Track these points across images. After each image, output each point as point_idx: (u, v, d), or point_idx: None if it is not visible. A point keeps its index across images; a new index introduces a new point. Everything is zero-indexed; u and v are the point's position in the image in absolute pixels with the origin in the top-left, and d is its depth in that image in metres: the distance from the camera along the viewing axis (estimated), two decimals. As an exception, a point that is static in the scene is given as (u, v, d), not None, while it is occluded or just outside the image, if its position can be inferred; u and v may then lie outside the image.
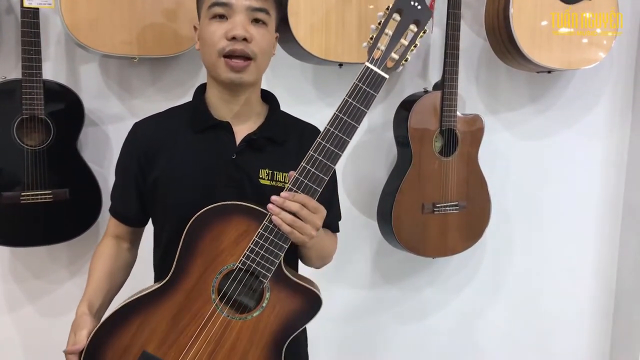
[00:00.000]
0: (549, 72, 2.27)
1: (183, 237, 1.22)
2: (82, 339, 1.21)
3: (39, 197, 1.79)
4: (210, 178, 1.31)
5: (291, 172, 1.22)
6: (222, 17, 1.27)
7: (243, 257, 1.21)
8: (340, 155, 1.21)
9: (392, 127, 2.21)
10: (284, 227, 1.20)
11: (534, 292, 2.59)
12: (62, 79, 1.92)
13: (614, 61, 2.52)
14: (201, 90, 1.41)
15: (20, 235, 1.85)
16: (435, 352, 2.52)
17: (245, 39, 1.26)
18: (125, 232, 1.44)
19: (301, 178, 1.21)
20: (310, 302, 1.26)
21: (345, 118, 1.21)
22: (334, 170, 1.48)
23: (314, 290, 1.27)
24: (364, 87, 1.20)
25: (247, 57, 1.27)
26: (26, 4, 1.70)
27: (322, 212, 1.24)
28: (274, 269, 1.22)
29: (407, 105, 2.11)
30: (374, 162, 2.30)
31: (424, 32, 1.20)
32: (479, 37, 2.33)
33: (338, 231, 1.51)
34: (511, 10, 2.05)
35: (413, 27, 1.19)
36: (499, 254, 2.52)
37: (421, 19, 1.19)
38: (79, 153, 1.88)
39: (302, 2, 1.87)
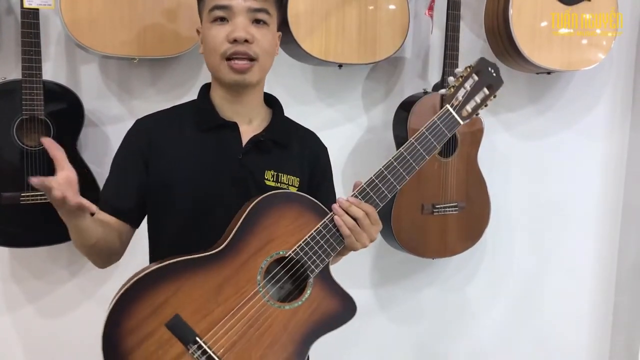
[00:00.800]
0: (549, 73, 2.27)
1: (245, 213, 1.22)
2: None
3: (39, 197, 1.78)
4: (216, 177, 1.31)
5: (358, 181, 1.28)
6: (222, 19, 1.28)
7: (297, 247, 1.23)
8: (407, 180, 1.30)
9: (391, 127, 2.21)
10: (343, 229, 1.24)
11: (533, 293, 2.59)
12: (62, 80, 1.92)
13: (614, 62, 2.52)
14: (206, 89, 1.41)
15: (20, 236, 1.84)
16: (434, 353, 2.52)
17: (246, 41, 1.26)
18: (115, 224, 1.34)
19: (368, 189, 1.27)
20: (347, 308, 1.29)
21: (418, 147, 1.30)
22: (330, 165, 1.50)
23: (352, 297, 1.30)
24: (441, 125, 1.32)
25: (250, 59, 1.28)
26: (26, 4, 1.70)
27: (380, 226, 1.29)
28: (322, 266, 1.25)
29: (406, 106, 2.11)
30: (374, 162, 2.26)
31: (494, 97, 1.36)
32: (478, 38, 2.33)
33: None
34: (511, 11, 2.05)
35: (486, 90, 1.35)
36: (498, 255, 2.52)
37: (494, 84, 1.35)
38: (79, 154, 1.88)
39: (302, 3, 1.87)
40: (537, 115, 2.48)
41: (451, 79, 1.35)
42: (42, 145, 1.78)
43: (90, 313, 2.06)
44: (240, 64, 1.27)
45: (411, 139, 1.30)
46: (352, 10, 1.94)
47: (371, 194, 1.27)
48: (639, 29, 2.54)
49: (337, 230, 1.25)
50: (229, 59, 1.27)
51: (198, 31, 1.38)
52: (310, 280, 1.25)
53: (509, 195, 2.47)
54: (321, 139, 1.51)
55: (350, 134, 2.27)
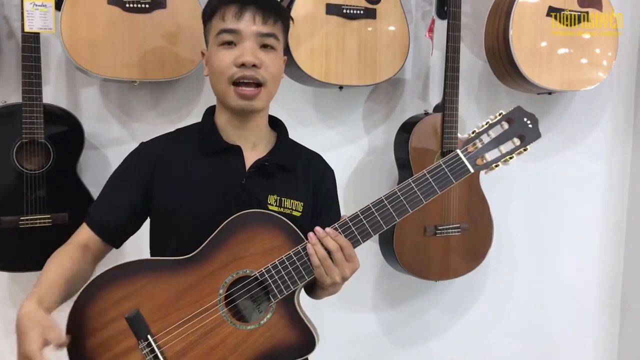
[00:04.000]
0: (550, 93, 2.27)
1: (222, 226, 1.22)
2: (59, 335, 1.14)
3: (38, 221, 1.77)
4: (219, 201, 1.30)
5: (344, 215, 1.24)
6: (230, 43, 1.27)
7: (264, 269, 1.21)
8: (396, 221, 1.22)
9: (392, 148, 2.20)
10: (313, 259, 1.21)
11: (538, 314, 2.57)
12: (62, 103, 1.92)
13: (614, 81, 2.53)
14: (211, 112, 1.41)
15: (19, 260, 1.82)
16: (438, 377, 2.49)
17: (254, 65, 1.26)
18: (96, 245, 1.34)
19: (350, 223, 1.22)
20: (305, 342, 1.24)
21: (415, 189, 1.22)
22: (337, 198, 1.48)
23: (313, 333, 1.25)
24: (446, 170, 1.23)
25: (257, 84, 1.28)
26: (27, 28, 1.71)
27: (356, 264, 1.24)
28: (286, 293, 1.22)
29: (408, 127, 2.11)
30: (375, 183, 2.29)
31: (525, 150, 1.25)
32: (478, 59, 2.33)
33: None
34: (511, 32, 2.06)
35: (516, 141, 1.24)
36: (502, 276, 2.50)
37: (527, 137, 1.25)
38: (79, 177, 1.87)
39: (302, 25, 1.88)
40: (538, 136, 2.47)
41: (478, 124, 1.26)
42: (42, 169, 1.78)
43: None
44: (247, 90, 1.27)
45: (409, 179, 1.23)
46: (352, 32, 1.95)
47: (353, 228, 1.22)
48: (638, 49, 2.55)
49: (308, 259, 1.21)
50: (236, 84, 1.27)
51: (203, 53, 1.38)
52: (272, 305, 1.22)
53: (511, 216, 2.46)
54: (328, 164, 1.50)
55: (351, 156, 2.27)
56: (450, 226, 2.13)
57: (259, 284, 1.22)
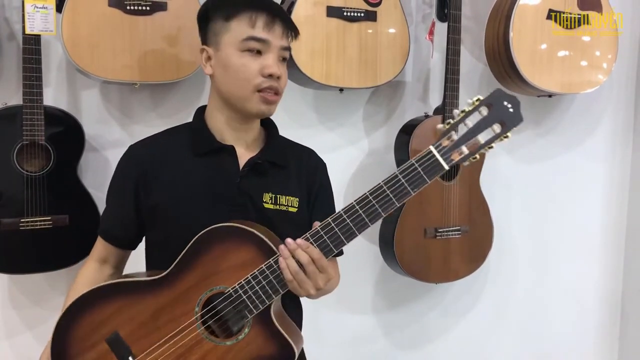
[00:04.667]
0: (550, 96, 2.27)
1: (191, 243, 1.22)
2: None
3: (39, 223, 1.77)
4: (214, 202, 1.30)
5: (316, 223, 1.19)
6: (257, 52, 1.28)
7: (237, 285, 1.20)
8: (369, 226, 1.16)
9: (392, 150, 2.20)
10: (285, 273, 1.17)
11: (538, 316, 2.57)
12: (62, 105, 1.92)
13: (614, 84, 2.53)
14: (201, 112, 1.40)
15: (19, 262, 1.83)
16: (438, 379, 2.49)
17: (278, 77, 1.29)
18: (113, 255, 1.41)
19: (321, 232, 1.17)
20: (284, 354, 1.23)
21: (387, 192, 1.15)
22: (332, 191, 1.48)
23: (292, 344, 1.23)
24: (419, 169, 1.14)
25: (276, 93, 1.31)
26: (28, 30, 1.71)
27: (329, 274, 1.20)
28: (262, 308, 1.20)
29: (408, 130, 2.11)
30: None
31: (506, 137, 1.13)
32: (479, 61, 2.33)
33: (342, 254, 1.44)
34: (511, 35, 2.06)
35: (496, 127, 1.12)
36: (502, 278, 2.50)
37: (508, 122, 1.12)
38: (79, 179, 1.88)
39: (302, 28, 1.87)
40: (538, 138, 2.47)
41: (455, 112, 1.15)
42: (43, 171, 1.78)
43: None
44: (273, 97, 1.30)
45: (380, 182, 1.15)
46: (352, 35, 1.95)
47: (325, 237, 1.17)
48: (638, 52, 2.55)
49: (281, 273, 1.18)
50: (260, 91, 1.28)
51: (205, 51, 1.34)
52: (249, 320, 1.21)
53: (511, 218, 2.46)
54: (320, 157, 1.50)
55: (351, 158, 2.27)
56: (451, 228, 2.13)
57: (234, 299, 1.20)
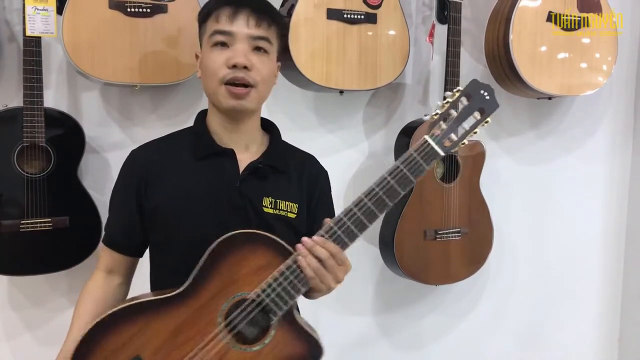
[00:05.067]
0: (550, 98, 2.28)
1: (207, 254, 1.20)
2: None
3: (39, 225, 1.77)
4: (214, 205, 1.30)
5: (326, 219, 1.22)
6: (223, 45, 1.27)
7: (259, 289, 1.20)
8: (378, 216, 1.21)
9: (392, 153, 2.20)
10: (307, 271, 1.19)
11: (538, 319, 2.57)
12: (63, 107, 1.92)
13: (614, 86, 2.53)
14: (202, 116, 1.41)
15: (19, 264, 1.82)
16: (438, 381, 2.49)
17: (246, 67, 1.26)
18: (120, 263, 1.40)
19: (335, 227, 1.20)
20: (312, 351, 1.24)
21: (392, 182, 1.21)
22: (332, 199, 1.48)
23: (317, 339, 1.25)
24: (417, 158, 1.21)
25: (247, 86, 1.27)
26: (29, 32, 1.71)
27: (348, 266, 1.24)
28: (286, 308, 1.21)
29: (408, 132, 2.11)
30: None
31: (487, 122, 1.24)
32: (479, 63, 2.34)
33: None
34: (511, 37, 2.06)
35: (477, 115, 1.23)
36: (502, 280, 2.50)
37: (487, 109, 1.23)
38: (80, 181, 1.87)
39: (302, 30, 1.88)
40: (538, 140, 2.47)
41: (438, 103, 1.25)
42: (43, 172, 1.78)
43: (89, 342, 2.04)
44: (237, 89, 1.27)
45: (384, 173, 1.22)
46: (352, 37, 1.95)
47: (339, 232, 1.20)
48: (638, 54, 2.55)
49: (301, 271, 1.19)
50: (227, 84, 1.27)
51: (197, 55, 1.38)
52: (274, 322, 1.21)
53: (511, 220, 2.46)
54: (322, 164, 1.50)
55: (351, 160, 2.27)
56: (451, 230, 2.13)
57: (257, 304, 1.20)
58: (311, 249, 1.19)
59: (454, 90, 1.24)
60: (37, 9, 1.71)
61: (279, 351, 1.22)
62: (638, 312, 2.57)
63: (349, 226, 1.20)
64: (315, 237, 1.20)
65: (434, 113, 1.23)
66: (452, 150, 1.24)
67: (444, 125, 1.22)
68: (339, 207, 1.54)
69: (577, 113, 2.50)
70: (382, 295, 2.37)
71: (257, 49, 1.29)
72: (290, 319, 1.23)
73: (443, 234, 2.12)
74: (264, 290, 1.19)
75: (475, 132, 1.24)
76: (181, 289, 1.20)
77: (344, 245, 1.21)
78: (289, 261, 1.20)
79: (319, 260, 1.19)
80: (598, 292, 2.63)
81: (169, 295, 1.21)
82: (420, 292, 2.38)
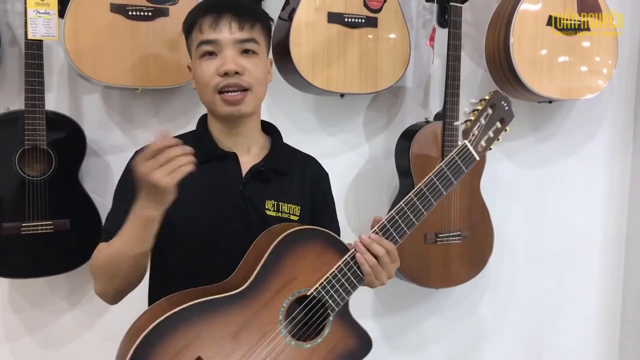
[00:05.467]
0: (550, 102, 2.28)
1: (269, 252, 1.20)
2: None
3: (40, 227, 1.77)
4: (217, 208, 1.31)
5: (377, 217, 1.27)
6: (211, 54, 1.28)
7: (319, 285, 1.22)
8: (424, 216, 1.30)
9: (393, 156, 2.20)
10: (365, 267, 1.23)
11: (538, 322, 2.56)
12: (64, 110, 1.92)
13: (614, 90, 2.53)
14: (204, 120, 1.41)
15: (20, 267, 1.83)
16: (438, 384, 2.48)
17: (237, 72, 1.26)
18: None
19: (388, 225, 1.26)
20: (363, 345, 1.28)
21: (437, 183, 1.30)
22: (334, 201, 1.49)
23: (368, 333, 1.29)
24: (459, 161, 1.32)
25: (242, 89, 1.28)
26: (30, 35, 1.71)
27: (399, 263, 1.29)
28: (342, 304, 1.24)
29: (408, 135, 2.11)
30: (376, 191, 2.30)
31: (506, 130, 1.36)
32: (479, 67, 2.34)
33: None
34: (511, 40, 2.07)
35: (498, 124, 1.35)
36: (502, 284, 2.50)
37: (506, 118, 1.36)
38: (81, 183, 1.88)
39: (303, 33, 1.89)
40: (539, 144, 2.48)
41: (466, 110, 1.34)
42: (44, 175, 1.79)
43: (89, 344, 2.04)
44: (233, 95, 1.27)
45: (431, 174, 1.30)
46: (353, 41, 1.96)
47: (391, 230, 1.26)
48: (638, 57, 2.55)
49: (358, 267, 1.24)
50: (221, 92, 1.27)
51: (189, 67, 1.37)
52: (330, 318, 1.24)
53: (511, 223, 2.46)
54: (323, 167, 1.51)
55: (351, 163, 2.27)
56: (451, 234, 2.13)
57: (318, 300, 1.23)
58: (369, 246, 1.23)
59: (480, 99, 1.34)
60: (39, 13, 1.71)
61: (333, 346, 1.24)
62: (638, 314, 2.57)
63: (399, 224, 1.26)
64: (372, 235, 1.24)
65: (466, 120, 1.33)
66: (483, 153, 1.36)
67: (476, 132, 1.32)
68: (339, 210, 1.55)
69: (578, 116, 2.50)
70: (382, 298, 2.37)
71: (245, 51, 1.29)
72: (345, 314, 1.27)
73: (443, 237, 2.12)
74: (324, 287, 1.22)
75: (498, 139, 1.35)
76: (242, 288, 1.19)
77: (395, 243, 1.27)
78: (347, 257, 1.24)
79: (376, 257, 1.23)
80: (598, 295, 2.63)
81: (228, 294, 1.18)
82: (420, 295, 2.38)
